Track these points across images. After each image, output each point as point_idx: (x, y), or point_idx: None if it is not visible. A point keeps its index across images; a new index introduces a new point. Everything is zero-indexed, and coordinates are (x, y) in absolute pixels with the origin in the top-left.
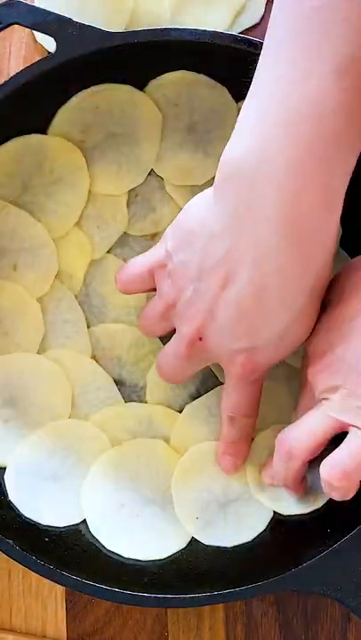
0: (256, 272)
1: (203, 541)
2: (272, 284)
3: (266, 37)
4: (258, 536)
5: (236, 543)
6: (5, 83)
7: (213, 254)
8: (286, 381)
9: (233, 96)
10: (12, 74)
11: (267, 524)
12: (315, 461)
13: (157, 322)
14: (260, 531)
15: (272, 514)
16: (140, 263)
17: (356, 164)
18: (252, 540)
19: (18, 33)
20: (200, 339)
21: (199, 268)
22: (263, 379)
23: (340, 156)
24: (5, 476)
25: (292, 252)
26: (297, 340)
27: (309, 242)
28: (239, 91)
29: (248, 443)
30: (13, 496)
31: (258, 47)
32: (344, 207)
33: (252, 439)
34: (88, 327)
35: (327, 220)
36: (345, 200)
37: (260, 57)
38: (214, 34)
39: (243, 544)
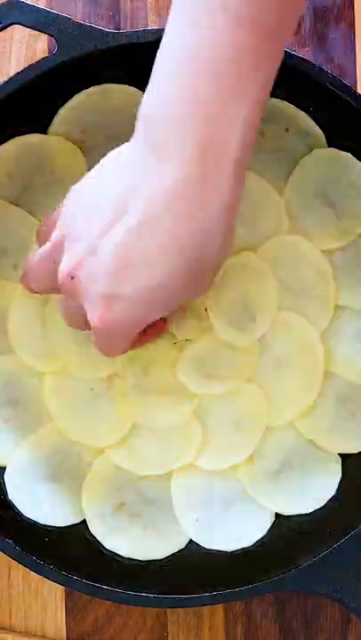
0: (147, 208)
1: (204, 546)
2: (159, 224)
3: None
4: (258, 540)
5: (236, 547)
6: (6, 82)
7: (107, 193)
8: None
9: None
10: (13, 74)
11: (267, 529)
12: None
13: (43, 266)
14: (261, 537)
15: (273, 519)
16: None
17: None
18: (253, 543)
19: (18, 33)
20: (73, 278)
21: (91, 205)
22: (126, 347)
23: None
24: (5, 476)
25: (189, 196)
26: (164, 302)
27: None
28: None
29: None
30: (13, 496)
31: None
32: None
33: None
34: None
35: (231, 172)
36: None
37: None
38: None
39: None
